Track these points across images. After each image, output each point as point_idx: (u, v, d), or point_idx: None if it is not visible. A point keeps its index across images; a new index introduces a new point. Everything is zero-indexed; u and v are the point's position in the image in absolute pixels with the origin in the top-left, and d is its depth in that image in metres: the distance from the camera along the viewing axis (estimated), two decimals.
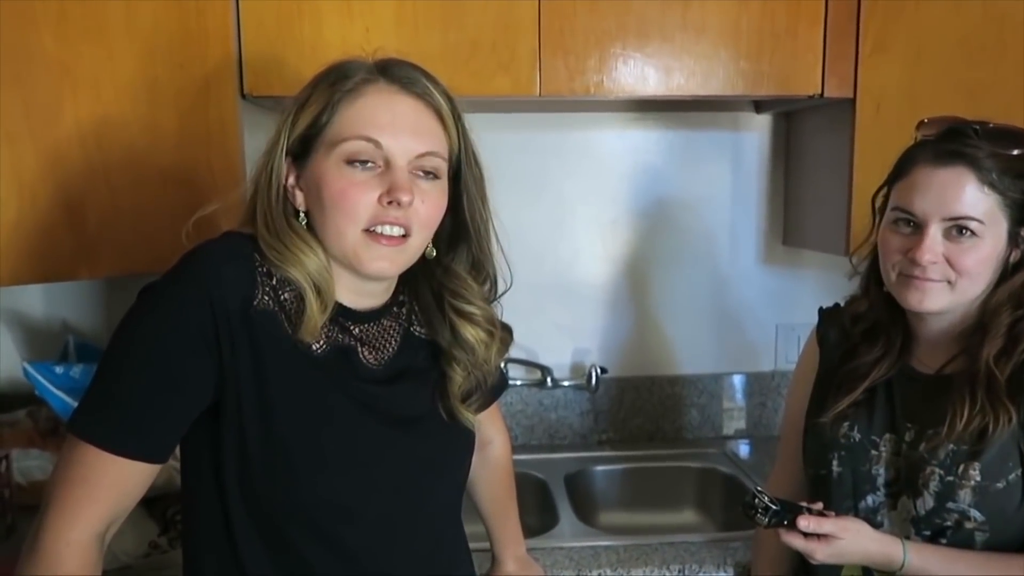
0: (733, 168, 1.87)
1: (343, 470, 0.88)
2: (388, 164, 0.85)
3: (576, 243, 1.86)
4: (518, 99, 1.48)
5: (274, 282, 0.86)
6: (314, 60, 1.37)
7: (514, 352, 1.81)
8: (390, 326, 0.96)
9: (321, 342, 0.88)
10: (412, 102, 0.87)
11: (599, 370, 1.79)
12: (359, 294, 0.92)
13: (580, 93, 1.46)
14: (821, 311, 1.22)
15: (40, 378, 1.44)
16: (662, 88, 1.47)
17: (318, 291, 0.85)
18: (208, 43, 1.35)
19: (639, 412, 1.90)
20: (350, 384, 0.90)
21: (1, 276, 1.24)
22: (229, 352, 0.82)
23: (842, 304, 1.20)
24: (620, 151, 1.85)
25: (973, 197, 0.97)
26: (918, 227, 1.00)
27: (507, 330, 1.02)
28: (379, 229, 0.85)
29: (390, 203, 0.84)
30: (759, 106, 1.82)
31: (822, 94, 1.49)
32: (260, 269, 0.86)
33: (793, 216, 1.84)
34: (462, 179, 0.94)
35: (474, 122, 1.74)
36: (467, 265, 0.97)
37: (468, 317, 0.95)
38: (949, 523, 1.00)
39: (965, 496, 0.99)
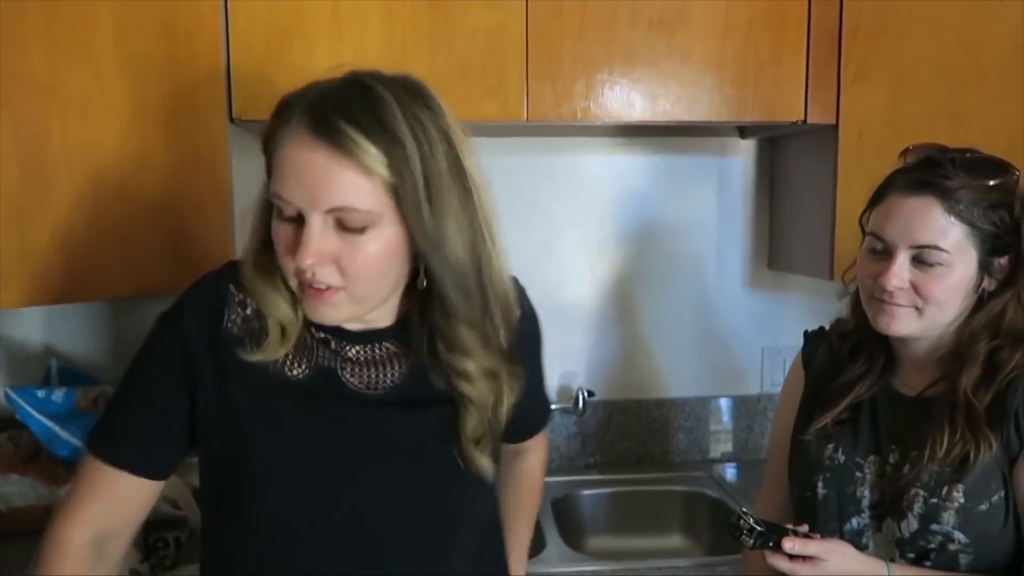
0: (719, 192, 1.89)
1: (303, 485, 0.87)
2: (304, 219, 0.79)
3: (564, 266, 1.87)
4: (506, 124, 1.49)
5: (247, 311, 0.88)
6: (304, 83, 1.39)
7: None
8: (393, 350, 0.92)
9: (302, 366, 0.89)
10: (325, 153, 0.77)
11: (586, 393, 1.79)
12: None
13: (567, 118, 1.47)
14: (806, 333, 1.23)
15: (21, 402, 1.43)
16: (648, 114, 1.49)
17: (283, 331, 0.87)
18: (197, 67, 1.36)
19: (626, 435, 1.90)
20: (327, 405, 0.89)
21: None
22: (199, 375, 0.87)
23: (827, 328, 1.21)
24: (607, 175, 1.86)
25: (939, 226, 0.98)
26: (888, 252, 1.02)
27: (516, 371, 0.93)
28: (310, 281, 0.82)
29: (294, 260, 0.81)
30: (744, 132, 1.85)
31: (805, 120, 1.51)
32: (235, 298, 0.89)
33: (778, 240, 1.86)
34: (414, 215, 0.81)
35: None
36: (460, 299, 0.86)
37: (463, 375, 0.89)
38: (933, 545, 1.00)
39: (949, 518, 0.99)
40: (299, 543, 0.88)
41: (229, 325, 0.87)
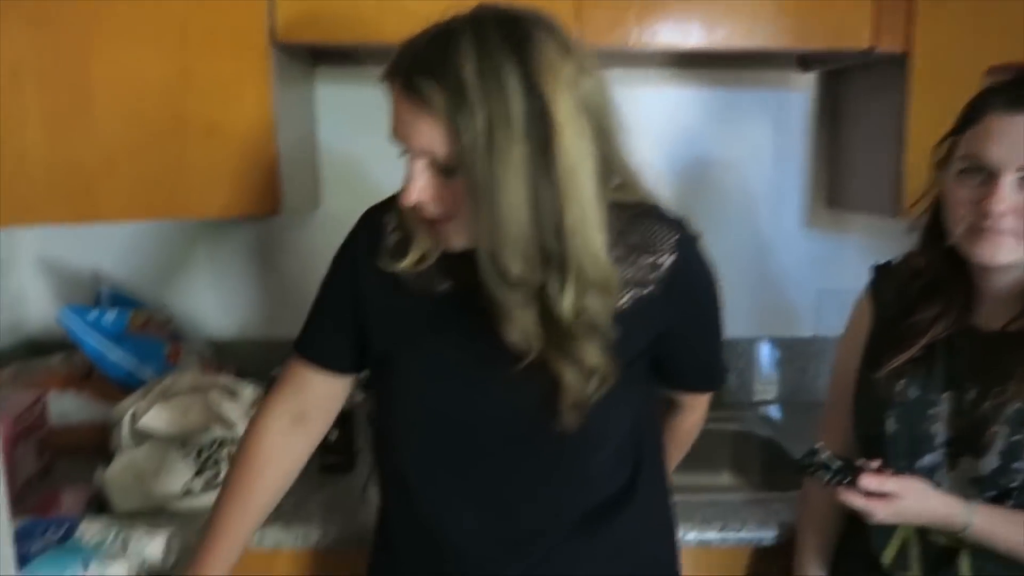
0: (776, 128, 1.81)
1: (436, 383, 0.94)
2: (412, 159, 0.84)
3: None
4: None
5: (399, 235, 0.94)
6: (350, 3, 1.36)
7: None
8: None
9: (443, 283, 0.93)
10: (407, 103, 0.80)
11: None
12: None
13: (619, 44, 1.41)
14: (875, 267, 1.17)
15: (75, 322, 1.45)
16: (704, 41, 1.42)
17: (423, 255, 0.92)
18: None
19: None
20: (463, 317, 0.90)
21: (31, 215, 1.24)
22: (361, 285, 0.97)
23: (895, 262, 1.15)
24: (657, 109, 1.80)
25: None
26: (990, 176, 0.95)
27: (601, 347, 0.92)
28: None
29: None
30: (805, 64, 1.76)
31: (874, 48, 1.42)
32: (391, 224, 0.96)
33: (839, 178, 1.78)
34: (468, 164, 0.79)
35: None
36: (515, 262, 0.81)
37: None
38: (1015, 483, 0.96)
39: None
40: (436, 434, 0.95)
41: (386, 243, 0.94)
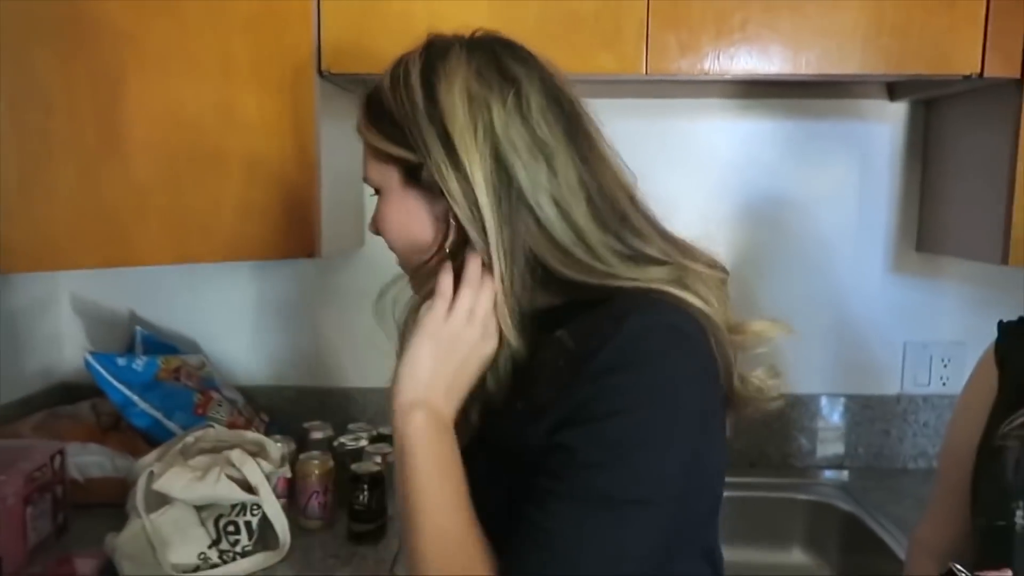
0: (860, 163, 1.65)
1: None
2: None
3: None
4: (621, 78, 1.32)
5: None
6: (400, 35, 1.25)
7: None
8: None
9: None
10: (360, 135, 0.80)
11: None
12: None
13: (693, 73, 1.28)
14: (1002, 325, 1.01)
15: (100, 368, 1.37)
16: (788, 67, 1.28)
17: None
18: (287, 17, 1.25)
19: (741, 434, 1.70)
20: None
21: (60, 259, 1.16)
22: None
23: None
24: (729, 142, 1.66)
25: None
26: None
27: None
28: None
29: None
30: (894, 92, 1.60)
31: (981, 73, 1.26)
32: None
33: (931, 218, 1.61)
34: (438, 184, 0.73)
35: None
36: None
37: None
38: None
39: None
40: None
41: None
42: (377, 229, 0.81)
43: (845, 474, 1.66)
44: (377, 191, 0.80)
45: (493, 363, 0.74)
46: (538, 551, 0.64)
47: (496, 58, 0.75)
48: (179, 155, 1.23)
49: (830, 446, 1.70)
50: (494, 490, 0.70)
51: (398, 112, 0.74)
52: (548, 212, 0.71)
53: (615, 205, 0.76)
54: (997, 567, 0.82)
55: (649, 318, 0.69)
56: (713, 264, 0.80)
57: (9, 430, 1.40)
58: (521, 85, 0.73)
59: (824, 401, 1.70)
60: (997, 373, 0.97)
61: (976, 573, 0.79)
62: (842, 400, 1.70)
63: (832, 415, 1.70)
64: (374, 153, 0.78)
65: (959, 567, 0.78)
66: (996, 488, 0.91)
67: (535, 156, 0.72)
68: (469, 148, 0.70)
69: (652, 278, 0.73)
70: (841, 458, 1.70)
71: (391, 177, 0.77)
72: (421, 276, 0.77)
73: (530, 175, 0.71)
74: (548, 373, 0.68)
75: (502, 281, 0.71)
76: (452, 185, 0.71)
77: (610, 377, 0.65)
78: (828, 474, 1.66)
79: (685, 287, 0.73)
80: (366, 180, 0.81)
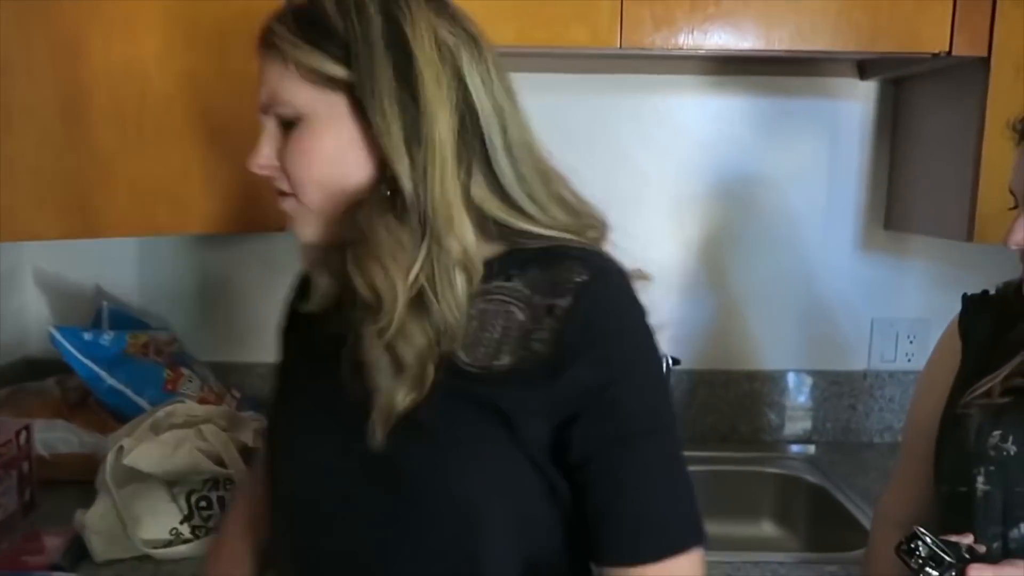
0: (830, 141, 1.67)
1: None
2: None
3: (650, 221, 1.68)
4: (595, 52, 1.31)
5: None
6: None
7: None
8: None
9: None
10: (267, 57, 0.71)
11: (670, 361, 1.62)
12: None
13: (667, 47, 1.28)
14: (966, 298, 1.03)
15: (66, 344, 1.35)
16: (761, 43, 1.28)
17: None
18: None
19: (713, 409, 1.72)
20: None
21: (18, 229, 1.13)
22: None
23: (992, 292, 1.01)
24: (702, 119, 1.66)
25: None
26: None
27: None
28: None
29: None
30: (864, 70, 1.62)
31: (950, 52, 1.28)
32: None
33: (899, 196, 1.63)
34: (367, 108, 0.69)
35: (540, 84, 1.62)
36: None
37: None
38: None
39: None
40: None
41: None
42: (284, 165, 0.72)
43: (813, 448, 1.69)
44: (290, 121, 0.71)
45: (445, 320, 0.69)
46: (656, 487, 0.70)
47: (453, 12, 0.73)
48: (145, 124, 1.20)
49: (799, 421, 1.73)
50: (465, 429, 0.69)
51: (348, 33, 0.68)
52: (503, 165, 0.71)
53: (548, 168, 0.78)
54: (959, 533, 0.84)
55: (613, 266, 0.74)
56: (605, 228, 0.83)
57: None
58: (480, 42, 0.73)
59: (793, 377, 1.72)
60: (960, 345, 0.99)
61: (940, 537, 0.81)
62: (811, 376, 1.72)
63: (801, 391, 1.73)
64: (305, 74, 0.69)
65: (922, 530, 0.80)
66: (958, 456, 0.93)
67: (496, 111, 0.72)
68: (437, 88, 0.68)
69: (588, 234, 0.78)
70: (809, 433, 1.73)
71: (331, 104, 0.69)
72: (356, 225, 0.70)
73: (490, 128, 0.71)
74: (504, 322, 0.69)
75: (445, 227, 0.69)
76: (407, 122, 0.68)
77: (619, 324, 0.72)
78: (797, 448, 1.69)
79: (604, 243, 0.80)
80: (272, 104, 0.71)
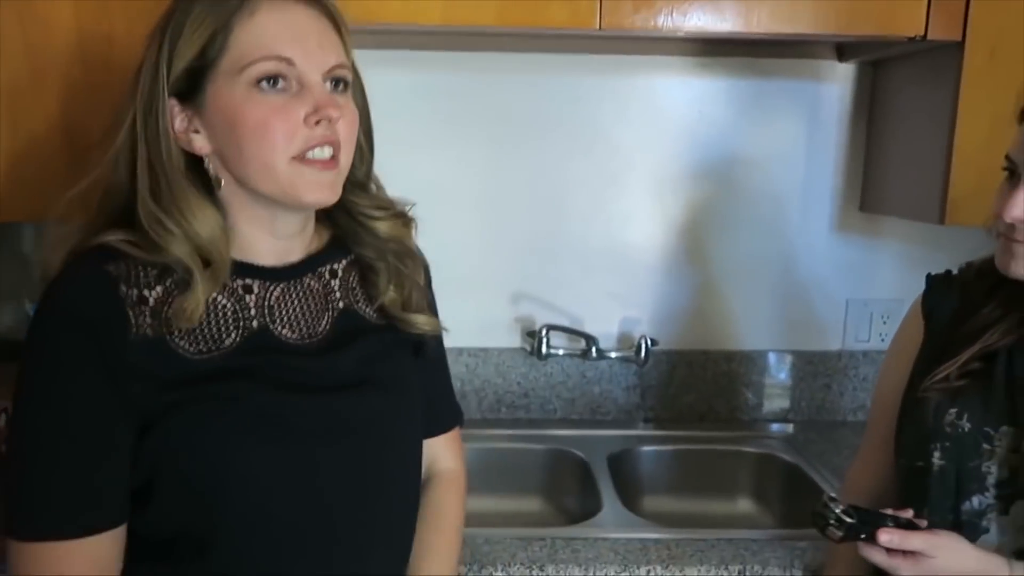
0: (808, 123, 1.68)
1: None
2: (302, 82, 0.77)
3: (630, 201, 1.69)
4: (575, 33, 1.31)
5: (150, 302, 0.76)
6: None
7: (556, 318, 1.69)
8: (315, 287, 0.86)
9: (232, 333, 0.79)
10: (309, 11, 0.78)
11: (649, 341, 1.64)
12: (277, 246, 0.85)
13: (646, 28, 1.28)
14: (930, 278, 1.05)
15: None
16: (740, 25, 1.29)
17: (207, 265, 0.77)
18: None
19: (691, 389, 1.74)
20: (269, 376, 0.79)
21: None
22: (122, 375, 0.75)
23: (955, 272, 1.03)
24: (682, 100, 1.67)
25: None
26: (1018, 180, 0.87)
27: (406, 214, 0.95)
28: (310, 154, 0.77)
29: (317, 122, 0.77)
30: (843, 53, 1.63)
31: (925, 35, 1.29)
32: (129, 292, 0.76)
33: (874, 179, 1.65)
34: (358, 88, 0.87)
35: (522, 64, 1.62)
36: (364, 178, 0.91)
37: (377, 217, 0.90)
38: None
39: None
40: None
41: (138, 330, 0.75)
42: (350, 127, 0.81)
43: (790, 427, 1.71)
44: (346, 84, 0.82)
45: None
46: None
47: None
48: (50, 82, 1.13)
49: (775, 400, 1.76)
50: (395, 358, 0.90)
51: (346, 28, 0.82)
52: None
53: None
54: (918, 505, 0.87)
55: None
56: None
57: None
58: None
59: (770, 357, 1.74)
60: (923, 324, 1.01)
61: (882, 511, 0.84)
62: (787, 356, 1.75)
63: (778, 370, 1.75)
64: (346, 50, 0.82)
65: (832, 496, 0.84)
66: (916, 432, 0.96)
67: None
68: None
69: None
70: (786, 411, 1.75)
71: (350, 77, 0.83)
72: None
73: None
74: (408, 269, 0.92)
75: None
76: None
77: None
78: (773, 427, 1.72)
79: None
80: (340, 68, 0.80)
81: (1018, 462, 0.89)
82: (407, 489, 0.92)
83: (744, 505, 1.61)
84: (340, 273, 0.89)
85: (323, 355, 0.83)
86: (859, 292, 1.73)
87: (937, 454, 0.93)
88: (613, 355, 1.67)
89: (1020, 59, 1.27)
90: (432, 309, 0.98)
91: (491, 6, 1.24)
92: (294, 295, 0.84)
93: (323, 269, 0.87)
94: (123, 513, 0.77)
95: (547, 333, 1.64)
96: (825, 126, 1.68)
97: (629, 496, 1.45)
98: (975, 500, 0.91)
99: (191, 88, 0.76)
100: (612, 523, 1.29)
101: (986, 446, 0.91)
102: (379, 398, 0.86)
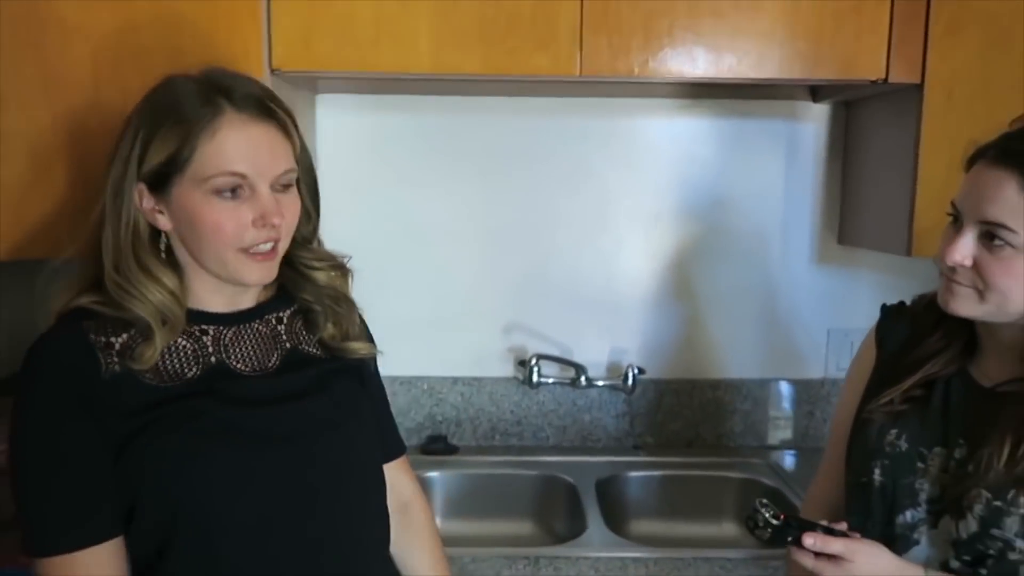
0: (787, 160, 1.76)
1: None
2: (253, 189, 0.90)
3: (617, 237, 1.77)
4: (557, 79, 1.40)
5: (116, 346, 0.89)
6: (346, 36, 1.34)
7: (547, 348, 1.76)
8: (263, 330, 0.98)
9: (192, 368, 0.91)
10: (265, 127, 0.91)
11: (636, 370, 1.70)
12: (229, 297, 0.97)
13: (623, 74, 1.37)
14: (884, 307, 1.12)
15: None
16: (712, 70, 1.37)
17: (164, 322, 0.90)
18: (236, 15, 1.30)
19: (678, 416, 1.80)
20: (223, 407, 0.91)
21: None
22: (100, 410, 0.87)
23: (908, 303, 1.10)
24: (666, 140, 1.75)
25: (1012, 204, 0.88)
26: (961, 226, 0.93)
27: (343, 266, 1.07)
28: (254, 248, 0.91)
29: (263, 226, 0.90)
30: (816, 94, 1.71)
31: (887, 79, 1.37)
32: (102, 337, 0.89)
33: (850, 213, 1.72)
34: (304, 170, 0.99)
35: (512, 106, 1.71)
36: (309, 235, 1.04)
37: (317, 268, 1.03)
38: (992, 551, 0.91)
39: (1012, 524, 0.90)
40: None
41: (107, 369, 0.87)
42: (291, 219, 0.94)
43: (773, 453, 1.77)
44: (287, 186, 0.94)
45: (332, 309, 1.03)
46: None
47: None
48: None
49: (759, 427, 1.81)
50: (335, 389, 0.99)
51: (296, 132, 0.95)
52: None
53: None
54: (861, 518, 0.93)
55: None
56: None
57: None
58: None
59: (755, 385, 1.80)
60: (875, 351, 1.08)
61: (814, 521, 0.91)
62: (771, 384, 1.80)
63: (762, 398, 1.81)
64: (294, 150, 0.94)
65: (763, 502, 0.91)
66: (862, 450, 1.03)
67: None
68: None
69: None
70: (770, 438, 1.80)
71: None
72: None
73: None
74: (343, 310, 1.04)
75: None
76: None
77: None
78: (758, 453, 1.77)
79: None
80: (287, 174, 0.93)
81: (947, 481, 0.96)
82: (364, 482, 1.01)
83: (729, 528, 1.66)
84: (285, 320, 1.01)
85: (274, 378, 0.96)
86: (840, 322, 1.80)
87: (878, 471, 1.00)
88: (601, 383, 1.73)
89: (976, 100, 1.35)
90: (370, 342, 1.09)
91: (476, 55, 1.33)
92: (246, 336, 0.97)
93: (270, 316, 1.00)
94: (114, 527, 0.87)
95: (538, 362, 1.71)
96: (803, 163, 1.76)
97: (616, 519, 1.50)
98: (908, 514, 0.98)
99: (159, 182, 0.90)
100: (596, 543, 1.35)
101: (920, 464, 0.98)
102: (327, 402, 0.97)
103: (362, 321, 1.09)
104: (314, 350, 1.01)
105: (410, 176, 1.72)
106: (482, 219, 1.75)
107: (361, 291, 1.85)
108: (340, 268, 1.05)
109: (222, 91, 0.89)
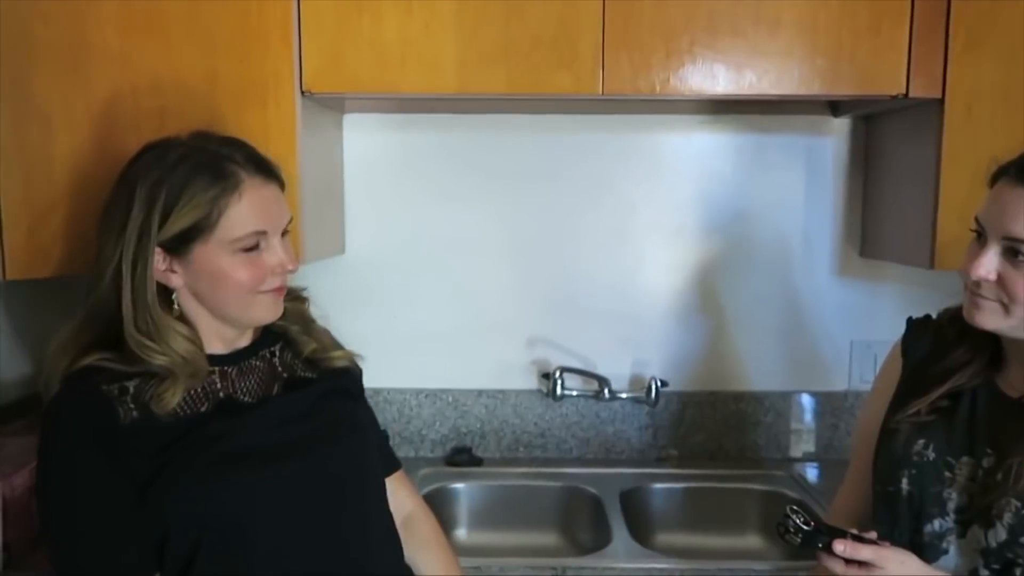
0: (808, 175, 1.78)
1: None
2: (268, 242, 1.01)
3: (638, 251, 1.79)
4: (580, 98, 1.43)
5: (132, 388, 0.95)
6: (373, 57, 1.38)
7: (570, 361, 1.78)
8: (258, 364, 1.07)
9: (204, 404, 0.99)
10: (271, 186, 1.02)
11: (659, 383, 1.72)
12: (229, 340, 1.06)
13: (645, 92, 1.39)
14: (910, 320, 1.13)
15: None
16: (732, 87, 1.39)
17: (188, 371, 0.97)
18: (269, 39, 1.34)
19: (701, 428, 1.81)
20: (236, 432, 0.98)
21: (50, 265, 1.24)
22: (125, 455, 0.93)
23: (933, 316, 1.11)
24: (687, 155, 1.77)
25: None
26: (985, 241, 0.96)
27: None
28: (267, 287, 1.02)
29: (281, 272, 1.02)
30: (836, 109, 1.73)
31: (907, 94, 1.38)
32: (115, 388, 0.95)
33: (872, 226, 1.73)
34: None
35: (535, 124, 1.74)
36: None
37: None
38: (1021, 559, 0.92)
39: None
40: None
41: (126, 416, 0.93)
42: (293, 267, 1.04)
43: (797, 465, 1.77)
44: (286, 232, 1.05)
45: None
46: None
47: None
48: None
49: (783, 439, 1.81)
50: (333, 406, 1.09)
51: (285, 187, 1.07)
52: None
53: None
54: (889, 527, 0.94)
55: None
56: None
57: (9, 428, 1.47)
58: None
59: (778, 398, 1.81)
60: (900, 362, 1.09)
61: (844, 529, 0.92)
62: (795, 396, 1.81)
63: (786, 411, 1.81)
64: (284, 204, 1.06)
65: (795, 508, 0.92)
66: (889, 460, 1.04)
67: None
68: None
69: None
70: (793, 450, 1.81)
71: None
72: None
73: None
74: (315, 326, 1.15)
75: None
76: None
77: None
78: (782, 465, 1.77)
79: None
80: (288, 223, 1.05)
81: (975, 490, 0.97)
82: (378, 490, 1.11)
83: (753, 540, 1.67)
84: (278, 353, 1.10)
85: (278, 402, 1.05)
86: (863, 334, 1.80)
87: (905, 480, 1.01)
88: (625, 396, 1.75)
89: (996, 114, 1.36)
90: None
91: (501, 76, 1.37)
92: (248, 372, 1.06)
93: (264, 351, 1.09)
94: (145, 566, 0.93)
95: (561, 375, 1.73)
96: (824, 177, 1.77)
97: (641, 531, 1.52)
98: (936, 523, 0.99)
99: (178, 246, 0.97)
100: (622, 554, 1.36)
101: (947, 474, 0.99)
102: (329, 418, 1.07)
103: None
104: (308, 374, 1.10)
105: (436, 193, 1.76)
106: (506, 235, 1.78)
107: (387, 305, 1.90)
108: (299, 299, 1.15)
109: (226, 158, 0.98)
